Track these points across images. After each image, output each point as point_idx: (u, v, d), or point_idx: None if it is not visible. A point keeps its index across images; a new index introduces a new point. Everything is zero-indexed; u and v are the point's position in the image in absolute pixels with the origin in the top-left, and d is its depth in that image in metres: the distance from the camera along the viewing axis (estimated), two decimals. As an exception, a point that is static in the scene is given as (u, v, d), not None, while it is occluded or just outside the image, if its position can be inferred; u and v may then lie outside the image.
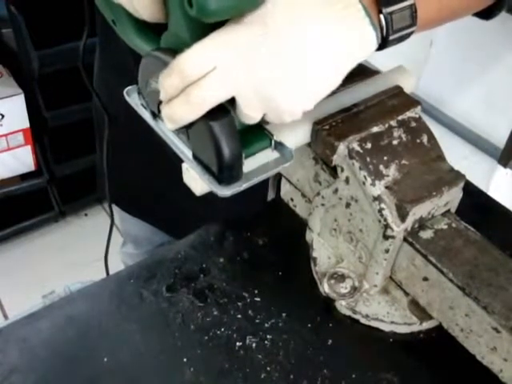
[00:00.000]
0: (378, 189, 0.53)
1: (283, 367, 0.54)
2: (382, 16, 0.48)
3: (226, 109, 0.46)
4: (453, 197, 0.56)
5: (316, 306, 0.60)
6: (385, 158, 0.54)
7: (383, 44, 0.49)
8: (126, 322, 0.58)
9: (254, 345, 0.56)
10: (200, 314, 0.58)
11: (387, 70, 0.62)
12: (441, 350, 0.56)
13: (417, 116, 0.58)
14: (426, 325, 0.58)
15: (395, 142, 0.56)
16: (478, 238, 0.55)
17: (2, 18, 1.63)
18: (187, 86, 0.45)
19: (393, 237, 0.54)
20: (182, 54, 0.44)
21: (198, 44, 0.44)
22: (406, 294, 0.58)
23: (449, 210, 0.57)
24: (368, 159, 0.54)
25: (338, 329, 0.58)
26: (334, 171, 0.58)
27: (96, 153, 1.01)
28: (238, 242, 0.66)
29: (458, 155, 1.60)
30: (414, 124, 0.57)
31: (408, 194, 0.53)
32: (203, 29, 0.45)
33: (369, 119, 0.56)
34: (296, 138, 0.55)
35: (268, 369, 0.54)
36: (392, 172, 0.54)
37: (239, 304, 0.59)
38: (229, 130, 0.46)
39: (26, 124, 1.75)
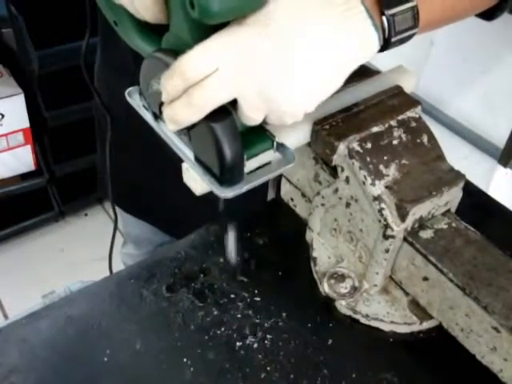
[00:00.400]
0: (378, 188, 0.53)
1: (283, 367, 0.54)
2: (384, 18, 0.48)
3: (227, 110, 0.46)
4: (453, 197, 0.56)
5: (316, 305, 0.60)
6: (385, 157, 0.54)
7: (385, 45, 0.49)
8: (126, 321, 0.58)
9: (254, 345, 0.56)
10: (200, 313, 0.58)
11: (387, 70, 0.62)
12: (441, 349, 0.56)
13: (417, 116, 0.58)
14: (426, 324, 0.58)
15: (395, 142, 0.56)
16: (478, 238, 0.55)
17: (2, 17, 1.63)
18: (189, 88, 0.45)
19: (393, 236, 0.54)
20: (184, 55, 0.44)
21: (200, 45, 0.44)
22: (406, 293, 0.58)
23: (449, 210, 0.57)
24: (368, 159, 0.54)
25: (338, 329, 0.58)
26: (334, 171, 0.58)
27: (96, 152, 1.01)
28: (237, 242, 0.66)
29: (458, 155, 1.60)
30: (414, 124, 0.57)
31: (408, 194, 0.53)
32: (205, 30, 0.45)
33: (369, 119, 0.56)
34: (296, 137, 0.55)
35: (268, 369, 0.54)
36: (392, 172, 0.54)
37: (239, 304, 0.59)
38: (230, 132, 0.46)
39: (26, 124, 1.75)
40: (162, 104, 0.49)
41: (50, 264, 1.91)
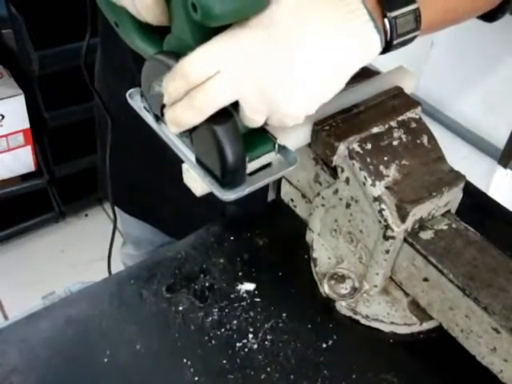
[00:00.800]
0: (379, 189, 0.53)
1: (283, 368, 0.54)
2: (386, 20, 0.48)
3: (229, 112, 0.46)
4: (453, 197, 0.56)
5: (316, 306, 0.60)
6: (385, 158, 0.54)
7: (387, 48, 0.49)
8: (126, 322, 0.58)
9: (254, 345, 0.56)
10: (200, 314, 0.58)
11: (387, 71, 0.62)
12: (441, 350, 0.56)
13: (417, 117, 0.58)
14: (426, 325, 0.58)
15: (395, 143, 0.56)
16: (478, 239, 0.55)
17: (2, 17, 1.63)
18: (191, 90, 0.45)
19: (393, 237, 0.54)
20: (186, 57, 0.44)
21: (202, 47, 0.44)
22: (406, 294, 0.58)
23: (449, 211, 0.57)
24: (368, 160, 0.54)
25: (338, 329, 0.58)
26: (334, 172, 0.58)
27: (96, 153, 1.01)
28: (238, 243, 0.66)
29: (458, 155, 1.60)
30: (414, 125, 0.57)
31: (408, 195, 0.53)
32: (207, 32, 0.45)
33: (369, 120, 0.56)
34: (296, 138, 0.55)
35: (268, 369, 0.54)
36: (392, 172, 0.54)
37: (239, 304, 0.59)
38: (232, 134, 0.46)
39: (26, 124, 1.75)
40: (163, 106, 0.49)
41: (51, 264, 1.91)
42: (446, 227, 0.56)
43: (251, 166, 0.51)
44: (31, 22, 1.56)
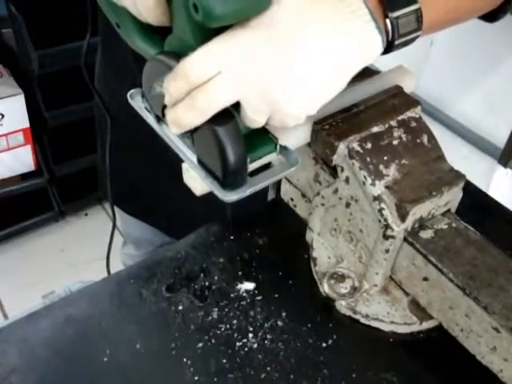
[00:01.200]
0: (378, 189, 0.53)
1: (283, 367, 0.54)
2: (388, 20, 0.48)
3: (230, 113, 0.46)
4: (453, 197, 0.56)
5: (316, 305, 0.60)
6: (385, 157, 0.54)
7: (388, 48, 0.49)
8: (126, 321, 0.58)
9: (254, 345, 0.56)
10: (200, 313, 0.58)
11: (387, 70, 0.62)
12: (441, 349, 0.56)
13: (417, 116, 0.58)
14: (426, 325, 0.58)
15: (395, 142, 0.56)
16: (478, 238, 0.55)
17: (2, 17, 1.63)
18: (192, 91, 0.44)
19: (393, 237, 0.54)
20: (187, 57, 0.44)
21: (203, 48, 0.44)
22: (406, 293, 0.58)
23: (449, 210, 0.57)
24: (368, 159, 0.54)
25: (338, 329, 0.58)
26: (334, 171, 0.58)
27: (96, 152, 1.01)
28: (238, 242, 0.66)
29: (458, 155, 1.60)
30: (414, 124, 0.57)
31: (408, 194, 0.53)
32: (208, 33, 0.45)
33: (369, 119, 0.56)
34: (296, 138, 0.55)
35: (268, 369, 0.54)
36: (392, 172, 0.54)
37: (239, 304, 0.59)
38: (234, 135, 0.46)
39: (26, 124, 1.75)
40: (164, 107, 0.48)
41: (50, 264, 1.91)
42: (445, 226, 0.56)
43: (251, 166, 0.50)
44: (31, 21, 1.56)
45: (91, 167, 1.55)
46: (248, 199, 0.53)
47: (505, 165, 1.52)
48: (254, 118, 0.46)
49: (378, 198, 0.53)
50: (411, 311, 0.58)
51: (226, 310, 0.59)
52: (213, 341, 0.56)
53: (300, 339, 0.57)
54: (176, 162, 0.54)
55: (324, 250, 0.63)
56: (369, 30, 0.46)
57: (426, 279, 0.55)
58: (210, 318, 0.58)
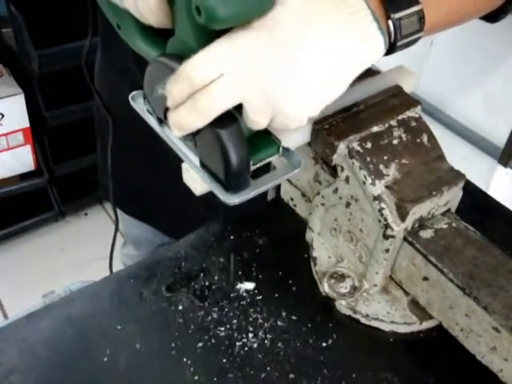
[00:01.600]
0: (378, 188, 0.53)
1: (283, 367, 0.54)
2: (390, 22, 0.47)
3: (233, 116, 0.46)
4: (453, 196, 0.56)
5: (316, 305, 0.60)
6: (385, 157, 0.54)
7: (390, 49, 0.49)
8: (126, 321, 0.58)
9: (253, 345, 0.56)
10: (200, 313, 0.58)
11: (387, 70, 0.62)
12: (441, 349, 0.56)
13: (417, 116, 0.58)
14: (426, 324, 0.58)
15: (395, 142, 0.56)
16: (478, 238, 0.55)
17: (2, 17, 1.63)
18: (194, 93, 0.44)
19: (393, 236, 0.54)
20: (189, 60, 0.44)
21: (205, 50, 0.44)
22: (406, 293, 0.58)
23: (449, 210, 0.57)
24: (368, 159, 0.54)
25: (338, 329, 0.58)
26: (334, 171, 0.58)
27: (96, 152, 1.01)
28: (238, 242, 0.66)
29: (458, 155, 1.60)
30: (414, 124, 0.57)
31: (408, 194, 0.53)
32: (210, 35, 0.44)
33: (369, 119, 0.56)
34: (296, 137, 0.55)
35: (268, 368, 0.54)
36: (392, 171, 0.54)
37: (239, 304, 0.59)
38: (236, 138, 0.46)
39: (26, 124, 1.75)
40: (167, 109, 0.48)
41: (50, 264, 1.91)
42: (445, 226, 0.56)
43: (252, 166, 0.50)
44: (31, 21, 1.56)
45: (91, 167, 1.55)
46: (248, 199, 0.53)
47: (505, 165, 1.52)
48: (256, 120, 0.46)
49: (378, 198, 0.53)
50: (411, 311, 0.58)
51: (226, 309, 0.59)
52: (213, 341, 0.56)
53: (300, 339, 0.57)
54: (176, 162, 0.54)
55: (324, 250, 0.63)
56: (371, 32, 0.46)
57: (425, 279, 0.55)
58: (210, 317, 0.58)
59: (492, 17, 0.62)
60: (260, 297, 0.60)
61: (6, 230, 1.93)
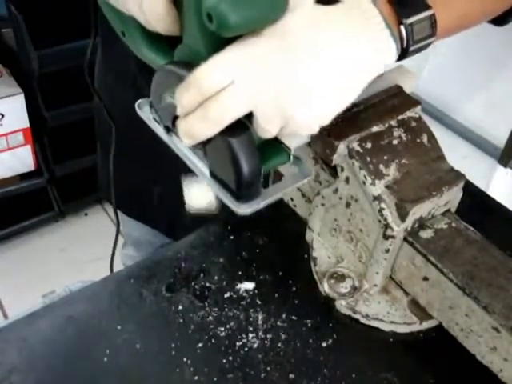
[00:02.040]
0: (378, 188, 0.53)
1: (283, 367, 0.54)
2: (402, 27, 0.47)
3: (244, 124, 0.45)
4: (453, 196, 0.56)
5: (316, 305, 0.60)
6: (385, 157, 0.54)
7: (402, 55, 0.48)
8: (126, 321, 0.58)
9: (254, 344, 0.56)
10: (200, 313, 0.58)
11: (387, 70, 0.62)
12: (441, 349, 0.56)
13: (417, 116, 0.58)
14: (426, 324, 0.58)
15: (395, 142, 0.56)
16: (477, 238, 0.55)
17: (2, 17, 1.63)
18: (205, 101, 0.44)
19: (393, 236, 0.54)
20: (200, 67, 0.43)
21: (216, 57, 0.43)
22: (406, 293, 0.58)
23: (449, 210, 0.57)
24: (368, 159, 0.54)
25: (338, 329, 0.58)
26: (334, 171, 0.58)
27: (96, 153, 1.01)
28: (237, 242, 0.66)
29: (458, 155, 1.60)
30: (414, 124, 0.57)
31: (408, 194, 0.53)
32: (220, 42, 0.44)
33: (369, 119, 0.56)
34: (296, 137, 0.55)
35: (268, 368, 0.54)
36: (392, 172, 0.54)
37: (239, 304, 0.59)
38: (248, 146, 0.45)
39: (26, 124, 1.75)
40: (175, 117, 0.47)
41: (50, 264, 1.90)
42: (445, 226, 0.56)
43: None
44: (31, 21, 1.56)
45: (91, 167, 1.55)
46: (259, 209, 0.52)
47: (505, 165, 1.52)
48: (267, 128, 0.45)
49: (377, 198, 0.53)
50: (411, 311, 0.58)
51: (226, 309, 0.59)
52: (213, 341, 0.56)
53: (300, 339, 0.57)
54: (176, 164, 0.54)
55: (324, 250, 0.63)
56: (383, 38, 0.46)
57: (425, 279, 0.55)
58: (210, 317, 0.58)
59: (500, 20, 0.62)
60: (260, 297, 0.60)
61: (6, 230, 1.93)
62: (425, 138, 0.57)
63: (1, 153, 1.76)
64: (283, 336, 0.57)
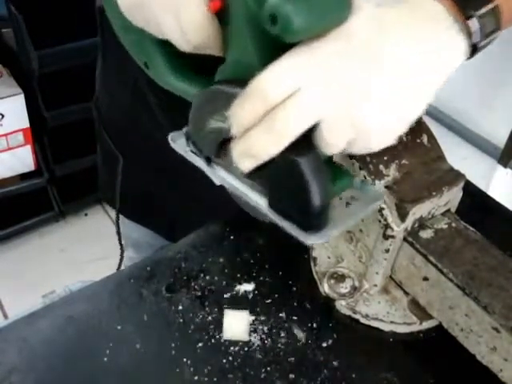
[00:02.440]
0: (378, 188, 0.53)
1: (283, 367, 0.54)
2: (474, 19, 0.44)
3: (309, 140, 0.40)
4: (453, 196, 0.56)
5: (316, 305, 0.60)
6: (385, 157, 0.54)
7: (473, 52, 0.46)
8: (126, 321, 0.58)
9: (254, 345, 0.56)
10: (200, 313, 0.58)
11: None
12: (441, 349, 0.56)
13: (417, 116, 0.58)
14: (426, 324, 0.58)
15: (395, 142, 0.55)
16: (477, 238, 0.55)
17: (2, 17, 1.63)
18: (268, 113, 0.39)
19: (393, 236, 0.54)
20: (261, 75, 0.39)
21: (279, 63, 0.39)
22: (406, 293, 0.58)
23: (449, 210, 0.57)
24: (368, 159, 0.54)
25: (338, 329, 0.58)
26: (334, 171, 0.58)
27: (96, 153, 1.01)
28: (237, 242, 0.66)
29: (458, 155, 1.60)
30: (413, 124, 0.57)
31: (408, 194, 0.53)
32: (277, 50, 0.40)
33: (369, 119, 0.56)
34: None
35: (268, 368, 0.54)
36: (392, 172, 0.54)
37: (239, 304, 0.59)
38: (317, 167, 0.39)
39: (26, 124, 1.75)
40: (221, 143, 0.44)
41: (50, 264, 1.91)
42: (445, 226, 0.56)
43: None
44: (31, 21, 1.56)
45: (91, 167, 1.55)
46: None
47: (505, 165, 1.52)
48: (332, 141, 0.40)
49: (377, 198, 0.53)
50: (411, 311, 0.58)
51: (226, 310, 0.59)
52: (213, 341, 0.56)
53: (300, 339, 0.57)
54: (176, 167, 0.53)
55: (324, 250, 0.63)
56: (452, 34, 0.43)
57: (425, 279, 0.55)
58: (210, 317, 0.58)
59: None
60: (260, 297, 0.60)
61: (6, 230, 1.93)
62: (425, 138, 0.57)
63: (1, 153, 1.76)
64: (283, 336, 0.57)
